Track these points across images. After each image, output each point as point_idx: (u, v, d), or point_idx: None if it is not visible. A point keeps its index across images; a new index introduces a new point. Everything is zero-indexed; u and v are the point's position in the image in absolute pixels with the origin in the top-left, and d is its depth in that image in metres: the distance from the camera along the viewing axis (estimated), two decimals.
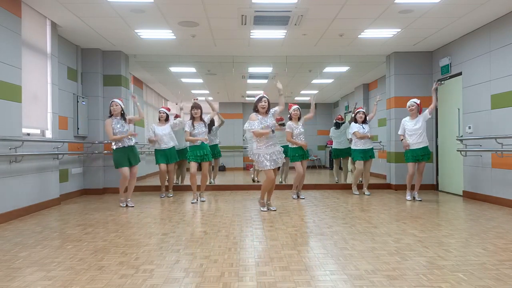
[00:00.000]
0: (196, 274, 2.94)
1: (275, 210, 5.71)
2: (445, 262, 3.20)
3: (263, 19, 6.30)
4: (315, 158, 14.29)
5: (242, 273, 2.96)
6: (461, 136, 7.08)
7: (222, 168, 13.58)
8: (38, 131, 6.14)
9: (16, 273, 3.01)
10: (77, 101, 7.50)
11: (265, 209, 5.73)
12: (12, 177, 5.23)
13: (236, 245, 3.77)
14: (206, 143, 6.60)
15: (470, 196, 6.96)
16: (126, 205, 6.28)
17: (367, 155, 7.46)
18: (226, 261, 3.27)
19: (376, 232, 4.30)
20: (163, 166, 7.27)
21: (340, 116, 9.08)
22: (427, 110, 6.59)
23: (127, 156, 6.08)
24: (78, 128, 7.47)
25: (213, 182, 8.93)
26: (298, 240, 3.95)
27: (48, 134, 6.31)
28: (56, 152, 6.31)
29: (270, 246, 3.73)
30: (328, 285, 2.70)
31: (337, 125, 8.81)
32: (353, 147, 7.56)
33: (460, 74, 7.37)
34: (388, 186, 8.65)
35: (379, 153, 10.27)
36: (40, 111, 6.08)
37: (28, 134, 5.83)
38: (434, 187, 8.30)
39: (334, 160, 9.21)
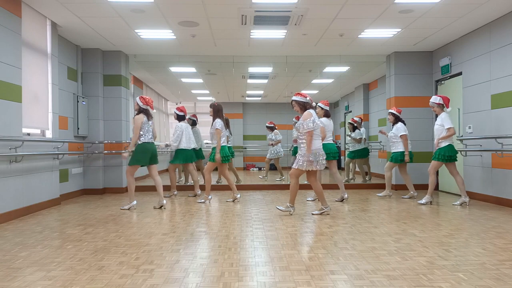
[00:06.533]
0: (196, 274, 2.94)
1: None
2: (445, 262, 3.20)
3: (263, 19, 6.30)
4: None
5: (242, 273, 2.96)
6: (461, 136, 7.08)
7: None
8: (38, 131, 6.15)
9: (16, 273, 3.01)
10: (77, 101, 7.50)
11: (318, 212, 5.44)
12: (12, 177, 5.23)
13: (236, 245, 3.77)
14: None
15: (470, 196, 6.95)
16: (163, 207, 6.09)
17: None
18: (226, 261, 3.27)
19: (376, 232, 4.30)
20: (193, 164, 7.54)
21: (354, 120, 9.36)
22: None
23: (150, 153, 5.89)
24: (78, 128, 7.47)
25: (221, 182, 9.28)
26: (298, 240, 3.96)
27: (48, 134, 6.31)
28: (56, 152, 6.31)
29: (270, 246, 3.73)
30: (328, 285, 2.70)
31: (354, 128, 9.26)
32: (397, 149, 6.92)
33: (460, 74, 7.37)
34: None
35: (379, 153, 10.29)
36: (40, 111, 6.08)
37: (28, 134, 5.84)
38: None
39: (350, 160, 9.46)
